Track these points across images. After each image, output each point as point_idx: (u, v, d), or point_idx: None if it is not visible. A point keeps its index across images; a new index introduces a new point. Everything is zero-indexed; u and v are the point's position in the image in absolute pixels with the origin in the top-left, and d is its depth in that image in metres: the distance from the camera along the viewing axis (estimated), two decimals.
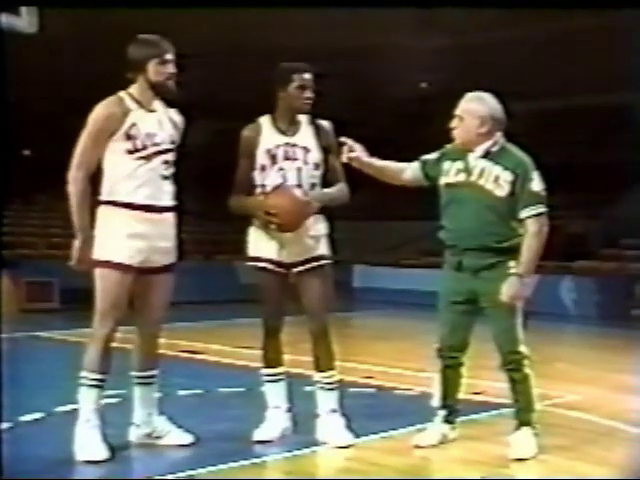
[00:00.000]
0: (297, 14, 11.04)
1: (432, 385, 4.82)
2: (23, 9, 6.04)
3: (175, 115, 4.56)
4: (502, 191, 4.44)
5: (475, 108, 4.50)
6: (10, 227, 15.38)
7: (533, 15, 11.06)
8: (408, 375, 7.10)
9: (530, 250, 4.41)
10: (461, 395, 4.80)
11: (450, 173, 4.59)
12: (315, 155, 4.64)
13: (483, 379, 5.87)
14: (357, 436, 4.69)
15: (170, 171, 4.47)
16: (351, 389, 6.12)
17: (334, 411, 4.69)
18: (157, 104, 4.47)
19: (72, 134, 4.54)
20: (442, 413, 4.73)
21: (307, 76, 4.59)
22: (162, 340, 4.65)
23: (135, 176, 4.34)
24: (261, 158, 4.61)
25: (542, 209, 4.44)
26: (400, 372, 7.33)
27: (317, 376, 4.72)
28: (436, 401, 4.76)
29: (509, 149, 4.55)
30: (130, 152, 4.33)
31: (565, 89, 15.84)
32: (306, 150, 4.62)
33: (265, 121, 4.68)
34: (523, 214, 4.43)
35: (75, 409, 4.44)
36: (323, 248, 4.71)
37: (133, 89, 4.41)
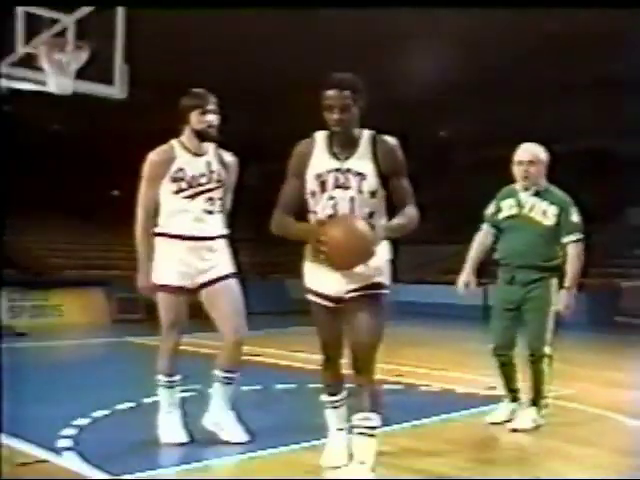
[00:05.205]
0: (341, 53, 9.82)
1: (496, 378, 4.99)
2: (117, 78, 5.97)
3: (227, 156, 4.46)
4: (549, 221, 4.73)
5: (543, 155, 4.81)
6: (104, 253, 16.35)
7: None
8: (431, 374, 7.09)
9: (574, 268, 4.70)
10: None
11: (504, 209, 4.87)
12: (371, 182, 3.44)
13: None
14: (388, 425, 4.67)
15: (215, 207, 4.34)
16: (384, 386, 6.13)
17: (363, 463, 3.47)
18: (207, 147, 4.37)
19: None
20: (509, 396, 4.95)
21: (334, 94, 3.38)
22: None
23: (181, 212, 4.28)
24: (311, 183, 3.49)
25: (581, 236, 4.74)
26: (424, 372, 7.29)
27: (355, 419, 3.52)
28: (502, 389, 4.97)
29: (552, 189, 4.82)
30: (176, 192, 4.29)
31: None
32: (361, 177, 3.43)
33: (320, 138, 3.53)
34: (566, 239, 4.73)
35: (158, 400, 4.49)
36: (381, 276, 3.52)
37: (183, 136, 4.37)
